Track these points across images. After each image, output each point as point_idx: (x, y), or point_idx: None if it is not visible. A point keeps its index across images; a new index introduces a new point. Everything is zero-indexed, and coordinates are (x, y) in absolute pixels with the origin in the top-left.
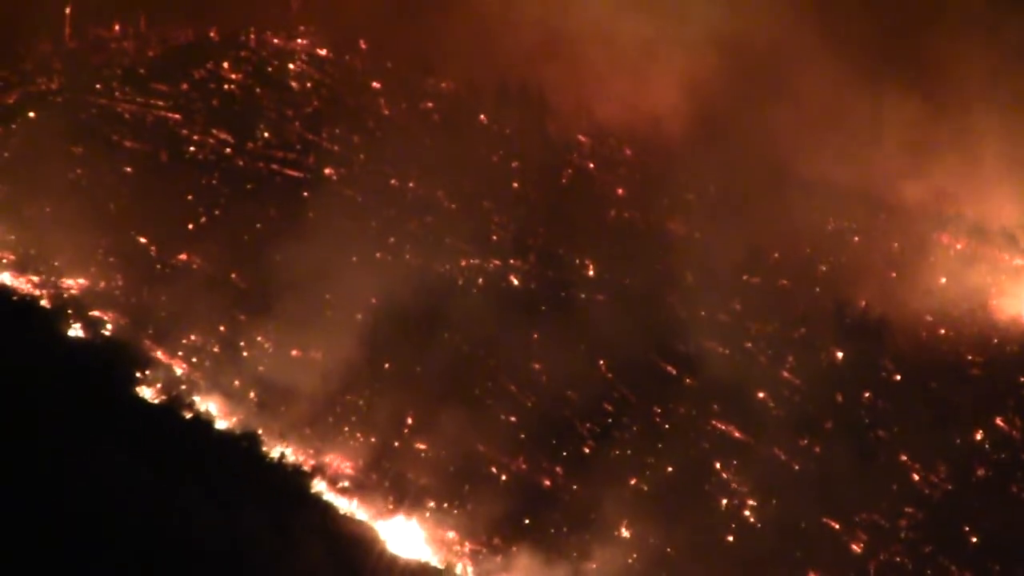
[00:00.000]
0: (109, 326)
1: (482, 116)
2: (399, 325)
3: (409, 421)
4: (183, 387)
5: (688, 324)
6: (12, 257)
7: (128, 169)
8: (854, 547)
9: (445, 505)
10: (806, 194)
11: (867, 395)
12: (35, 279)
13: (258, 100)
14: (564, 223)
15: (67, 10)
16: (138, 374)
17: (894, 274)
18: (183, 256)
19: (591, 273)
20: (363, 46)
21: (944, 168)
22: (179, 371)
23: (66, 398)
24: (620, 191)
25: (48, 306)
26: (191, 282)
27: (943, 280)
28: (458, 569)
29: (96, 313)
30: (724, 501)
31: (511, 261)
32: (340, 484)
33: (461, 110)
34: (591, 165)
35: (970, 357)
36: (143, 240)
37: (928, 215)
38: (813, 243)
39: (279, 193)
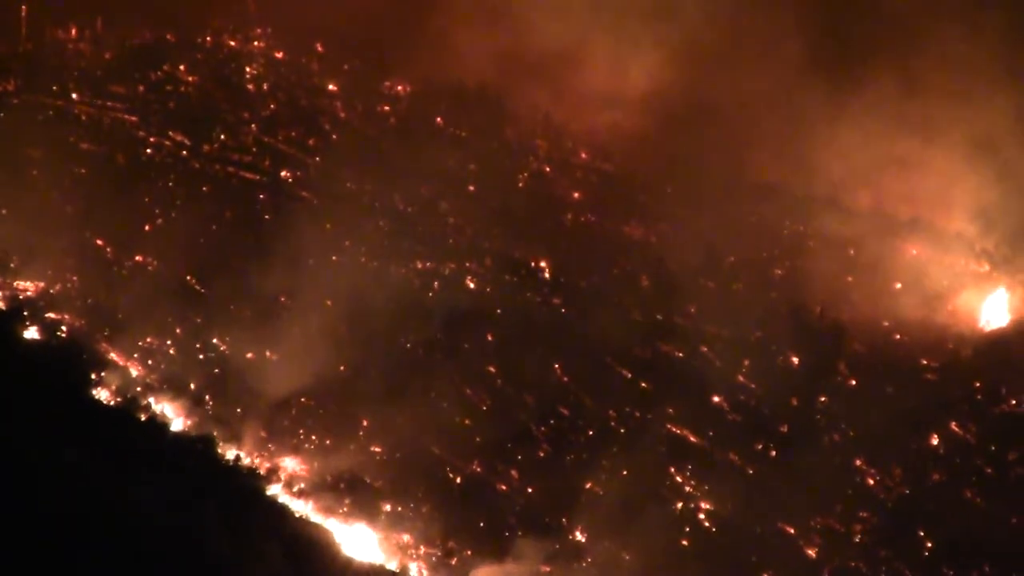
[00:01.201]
0: (65, 328)
1: (439, 119)
2: (355, 328)
3: (364, 424)
4: (138, 389)
5: (644, 327)
6: None
7: (84, 171)
8: (809, 551)
9: (400, 508)
10: (762, 198)
11: (823, 399)
12: None
13: (215, 103)
14: (520, 226)
15: (23, 11)
16: (94, 376)
17: (850, 278)
18: (139, 258)
19: (547, 276)
20: (320, 49)
21: (900, 174)
22: (135, 373)
23: (21, 400)
24: (576, 195)
25: (3, 308)
26: (147, 284)
27: (899, 285)
28: (412, 572)
29: (52, 315)
30: (679, 505)
31: (467, 264)
32: (295, 487)
33: (418, 113)
34: (547, 169)
35: (925, 362)
36: (99, 242)
37: (884, 220)
38: (769, 247)
39: (235, 196)
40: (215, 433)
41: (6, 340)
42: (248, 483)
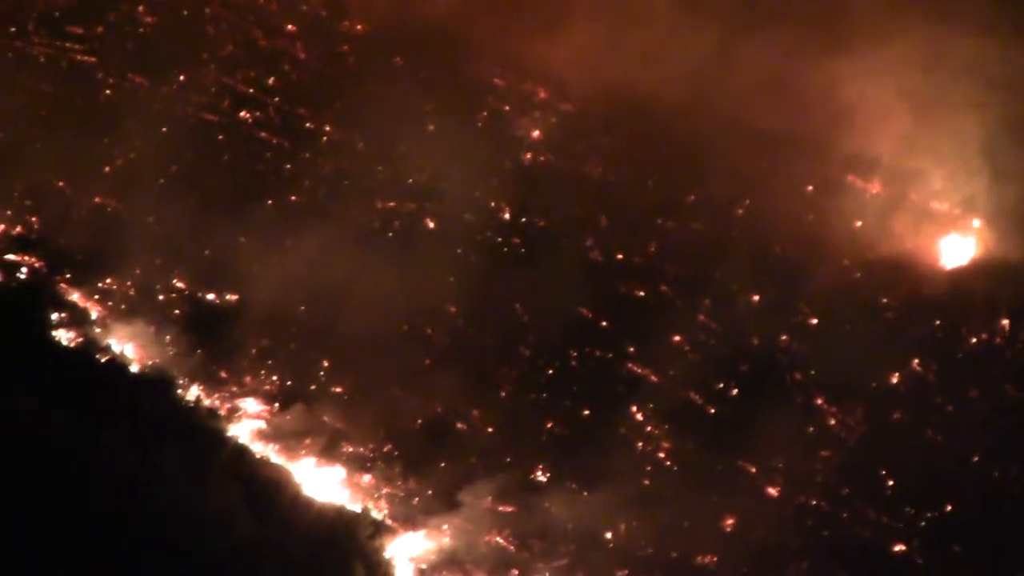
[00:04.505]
0: (25, 270)
1: (398, 59)
2: (314, 269)
3: (325, 364)
4: (98, 330)
5: (604, 267)
6: None
7: (44, 112)
8: (771, 490)
9: (361, 449)
10: (722, 137)
11: (783, 338)
12: None
13: (173, 44)
14: (480, 166)
15: None
16: (54, 318)
17: (810, 217)
18: (99, 199)
19: (507, 216)
20: None
21: (863, 112)
22: (94, 314)
23: None
24: (535, 134)
25: None
26: (107, 225)
27: (859, 224)
28: (373, 512)
29: (12, 257)
30: (640, 445)
31: (426, 204)
32: (256, 428)
33: (376, 53)
34: (506, 108)
35: (886, 300)
36: (60, 184)
37: (845, 159)
38: (729, 186)
39: (194, 136)
40: (174, 374)
41: None
42: (208, 424)
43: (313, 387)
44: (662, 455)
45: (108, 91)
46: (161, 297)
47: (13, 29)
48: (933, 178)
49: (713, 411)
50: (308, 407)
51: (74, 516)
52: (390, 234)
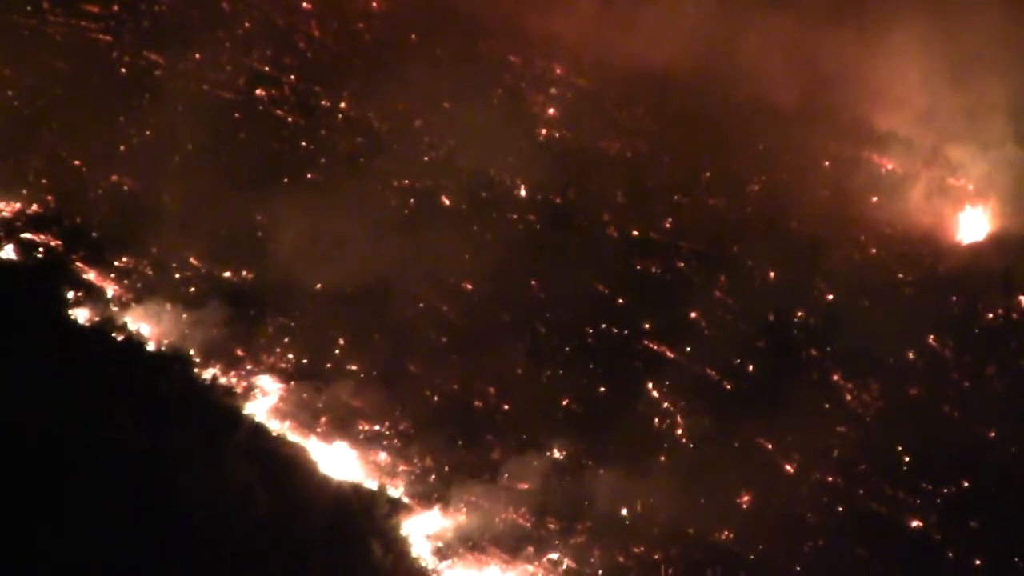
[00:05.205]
0: (41, 249)
1: (413, 36)
2: (330, 246)
3: (341, 342)
4: (115, 309)
5: (620, 244)
6: None
7: (59, 91)
8: (787, 467)
9: (377, 427)
10: (738, 113)
11: (800, 314)
12: None
13: (189, 22)
14: (495, 143)
15: None
16: (71, 296)
17: (826, 193)
18: (115, 178)
19: (523, 193)
20: None
21: (877, 88)
22: (111, 293)
23: None
24: (551, 110)
25: None
26: (123, 203)
27: (876, 199)
28: (390, 491)
29: (28, 235)
30: (656, 421)
31: (442, 181)
32: (272, 405)
33: (392, 30)
34: (522, 85)
35: (902, 276)
36: (76, 162)
37: (860, 134)
38: (744, 162)
39: (210, 115)
40: (191, 352)
41: None
42: (224, 402)
43: (329, 365)
44: (678, 431)
45: (124, 69)
46: (177, 275)
47: (29, 7)
48: (950, 154)
49: (729, 387)
50: (324, 385)
51: (90, 494)
52: (406, 212)
